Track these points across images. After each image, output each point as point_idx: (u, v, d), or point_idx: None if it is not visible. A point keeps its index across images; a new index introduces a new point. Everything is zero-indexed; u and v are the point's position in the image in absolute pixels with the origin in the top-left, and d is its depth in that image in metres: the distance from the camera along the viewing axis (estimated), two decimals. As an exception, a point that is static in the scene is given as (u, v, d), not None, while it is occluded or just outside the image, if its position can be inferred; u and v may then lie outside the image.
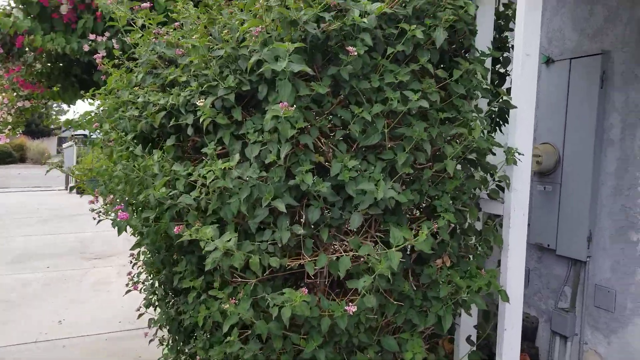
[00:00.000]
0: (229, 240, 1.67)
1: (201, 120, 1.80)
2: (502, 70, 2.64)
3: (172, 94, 1.98)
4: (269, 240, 1.78)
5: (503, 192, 2.15)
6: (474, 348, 2.33)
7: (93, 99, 2.53)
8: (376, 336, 1.91)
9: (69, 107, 5.03)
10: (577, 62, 3.21)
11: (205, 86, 1.79)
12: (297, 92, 1.71)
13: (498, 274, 2.04)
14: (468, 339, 2.38)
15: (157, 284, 2.64)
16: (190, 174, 1.88)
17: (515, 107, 2.10)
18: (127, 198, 2.25)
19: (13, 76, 4.43)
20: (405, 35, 1.85)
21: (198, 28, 1.99)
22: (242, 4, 2.01)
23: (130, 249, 2.28)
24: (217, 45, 1.90)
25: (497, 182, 2.13)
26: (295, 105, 1.64)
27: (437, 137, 1.88)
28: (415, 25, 1.84)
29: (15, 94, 4.73)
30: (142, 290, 2.63)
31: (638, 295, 2.82)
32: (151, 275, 2.61)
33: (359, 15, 1.75)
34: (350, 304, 1.69)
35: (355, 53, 1.73)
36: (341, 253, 1.82)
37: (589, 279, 3.12)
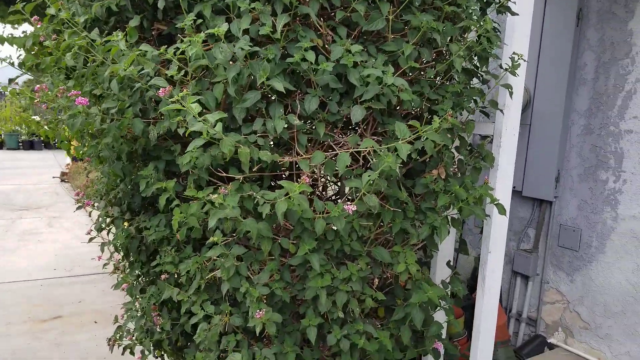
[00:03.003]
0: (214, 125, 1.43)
1: (180, -14, 1.51)
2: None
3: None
4: (258, 131, 1.56)
5: (496, 106, 2.05)
6: (454, 273, 2.25)
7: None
8: (367, 247, 1.75)
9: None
10: None
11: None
12: (297, -43, 1.47)
13: (488, 186, 1.94)
14: (448, 264, 2.29)
15: (110, 205, 2.34)
16: (162, 55, 1.59)
17: (517, 15, 1.98)
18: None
19: None
20: None
21: None
22: None
23: (87, 152, 1.96)
24: None
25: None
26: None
27: (442, 33, 1.72)
28: None
29: None
30: (94, 208, 2.31)
31: (604, 233, 2.87)
32: (104, 194, 2.29)
33: None
34: (349, 203, 1.52)
35: None
36: (337, 152, 1.63)
37: (554, 219, 3.15)
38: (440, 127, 1.51)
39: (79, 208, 2.22)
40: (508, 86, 1.91)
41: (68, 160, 10.27)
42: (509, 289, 3.37)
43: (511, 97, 1.94)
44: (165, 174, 1.93)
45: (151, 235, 1.98)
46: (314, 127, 1.64)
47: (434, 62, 1.82)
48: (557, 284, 3.13)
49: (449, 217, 1.87)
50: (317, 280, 1.56)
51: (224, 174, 1.60)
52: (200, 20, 1.56)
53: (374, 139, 1.75)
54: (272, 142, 1.63)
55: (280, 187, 1.49)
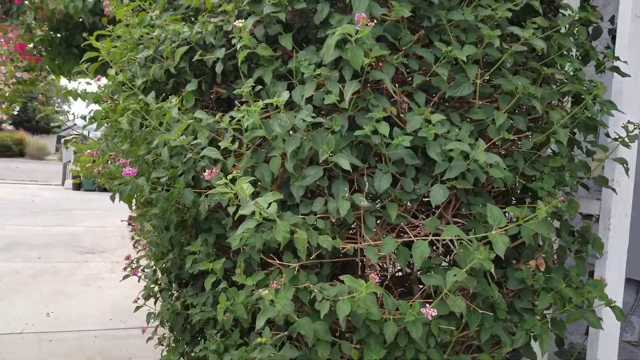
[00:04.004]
0: (265, 206, 1.21)
1: (238, 47, 1.35)
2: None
3: (198, 22, 1.54)
4: (319, 212, 1.33)
5: (605, 183, 1.70)
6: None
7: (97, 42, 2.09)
8: (447, 355, 1.43)
9: (69, 82, 4.62)
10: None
11: (245, 2, 1.35)
12: (370, 13, 1.27)
13: (602, 285, 1.57)
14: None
15: (159, 272, 2.18)
16: (217, 123, 1.43)
17: (629, 76, 1.67)
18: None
19: (12, 45, 4.03)
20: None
21: None
22: None
23: (134, 221, 1.82)
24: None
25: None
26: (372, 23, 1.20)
27: (541, 98, 1.44)
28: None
29: (14, 64, 4.32)
30: (142, 279, 2.16)
31: None
32: (154, 261, 2.14)
33: None
34: (427, 305, 1.23)
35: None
36: (412, 237, 1.36)
37: (666, 307, 2.64)
38: (546, 214, 1.20)
39: (125, 277, 2.07)
40: (622, 160, 1.57)
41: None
42: (609, 388, 2.84)
43: (627, 173, 1.60)
44: (215, 246, 1.74)
45: (196, 315, 1.77)
46: (383, 207, 1.39)
47: (529, 132, 1.53)
48: (673, 388, 2.58)
49: (549, 318, 1.52)
50: (386, 400, 1.27)
51: (278, 261, 1.38)
52: (259, 87, 1.38)
53: (455, 222, 1.47)
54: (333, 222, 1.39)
55: (342, 271, 1.25)
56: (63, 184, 16.67)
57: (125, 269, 2.07)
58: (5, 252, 7.13)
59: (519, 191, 1.59)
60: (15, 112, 4.74)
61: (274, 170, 1.33)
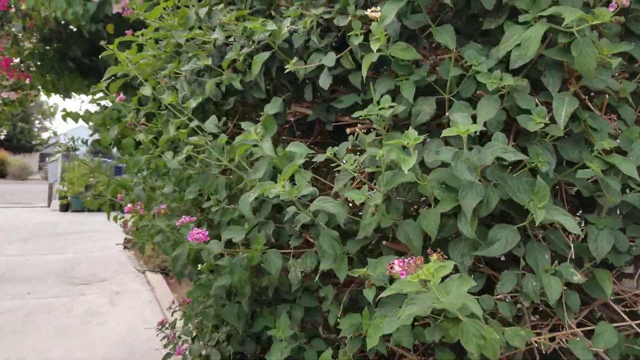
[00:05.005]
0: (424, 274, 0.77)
1: (361, 51, 0.91)
2: None
3: (285, 14, 1.09)
4: (502, 292, 0.89)
5: None
6: None
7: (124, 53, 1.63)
8: None
9: (64, 100, 4.07)
10: None
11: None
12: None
13: None
14: None
15: (203, 343, 1.71)
16: (330, 161, 0.98)
17: None
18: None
19: (-4, 59, 3.52)
20: None
21: None
22: None
23: (189, 294, 1.35)
24: None
25: None
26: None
27: None
28: None
29: (-2, 83, 3.79)
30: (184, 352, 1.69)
31: None
32: (198, 330, 1.67)
33: None
34: None
35: None
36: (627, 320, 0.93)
37: None
38: None
39: (168, 356, 1.59)
40: None
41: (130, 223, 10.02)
42: None
43: None
44: (303, 323, 1.29)
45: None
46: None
47: None
48: None
49: None
50: None
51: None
52: (378, 105, 0.93)
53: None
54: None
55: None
56: (49, 205, 15.97)
57: (166, 345, 1.60)
58: (-9, 289, 6.55)
59: None
60: (3, 136, 4.20)
61: (430, 232, 0.88)
